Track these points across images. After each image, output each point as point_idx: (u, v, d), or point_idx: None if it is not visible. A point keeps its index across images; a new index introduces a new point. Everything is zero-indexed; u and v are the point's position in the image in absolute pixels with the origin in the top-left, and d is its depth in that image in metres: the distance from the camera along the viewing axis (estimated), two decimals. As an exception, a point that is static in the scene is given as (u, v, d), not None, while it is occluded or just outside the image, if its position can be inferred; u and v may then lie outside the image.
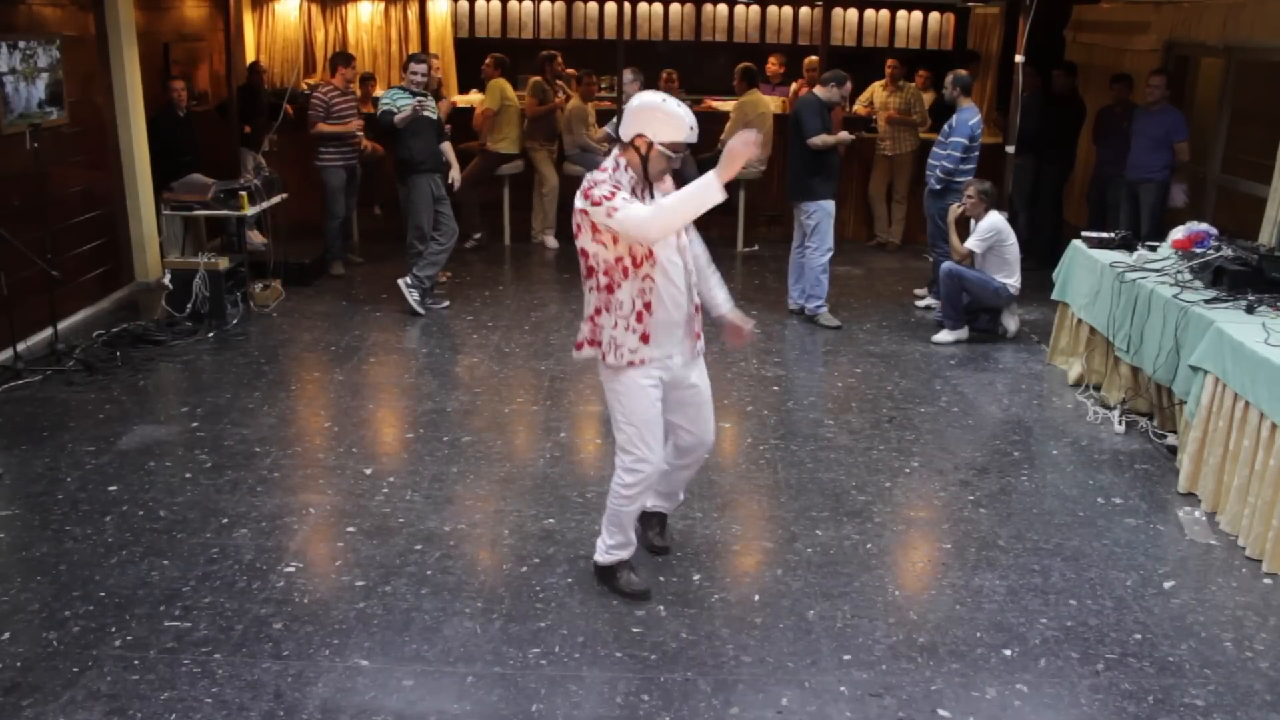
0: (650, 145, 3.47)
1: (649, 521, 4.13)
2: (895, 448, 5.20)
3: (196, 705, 3.17)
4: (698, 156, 9.09)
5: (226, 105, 8.66)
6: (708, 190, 3.29)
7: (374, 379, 6.09)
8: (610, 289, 3.56)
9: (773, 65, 10.32)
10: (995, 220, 6.72)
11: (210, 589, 3.80)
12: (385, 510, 4.43)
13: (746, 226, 9.29)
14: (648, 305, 3.54)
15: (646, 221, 3.35)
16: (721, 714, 3.22)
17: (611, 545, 3.83)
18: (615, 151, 3.57)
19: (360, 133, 8.19)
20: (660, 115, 3.46)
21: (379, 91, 8.93)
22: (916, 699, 3.29)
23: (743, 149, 3.25)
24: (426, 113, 6.99)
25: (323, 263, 8.20)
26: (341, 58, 8.30)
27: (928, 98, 9.56)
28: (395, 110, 6.89)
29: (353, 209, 8.69)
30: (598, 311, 3.62)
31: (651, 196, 3.55)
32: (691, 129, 3.48)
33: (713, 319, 3.81)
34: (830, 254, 7.15)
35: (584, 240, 3.55)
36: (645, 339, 3.56)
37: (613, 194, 3.40)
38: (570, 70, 9.70)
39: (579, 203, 3.48)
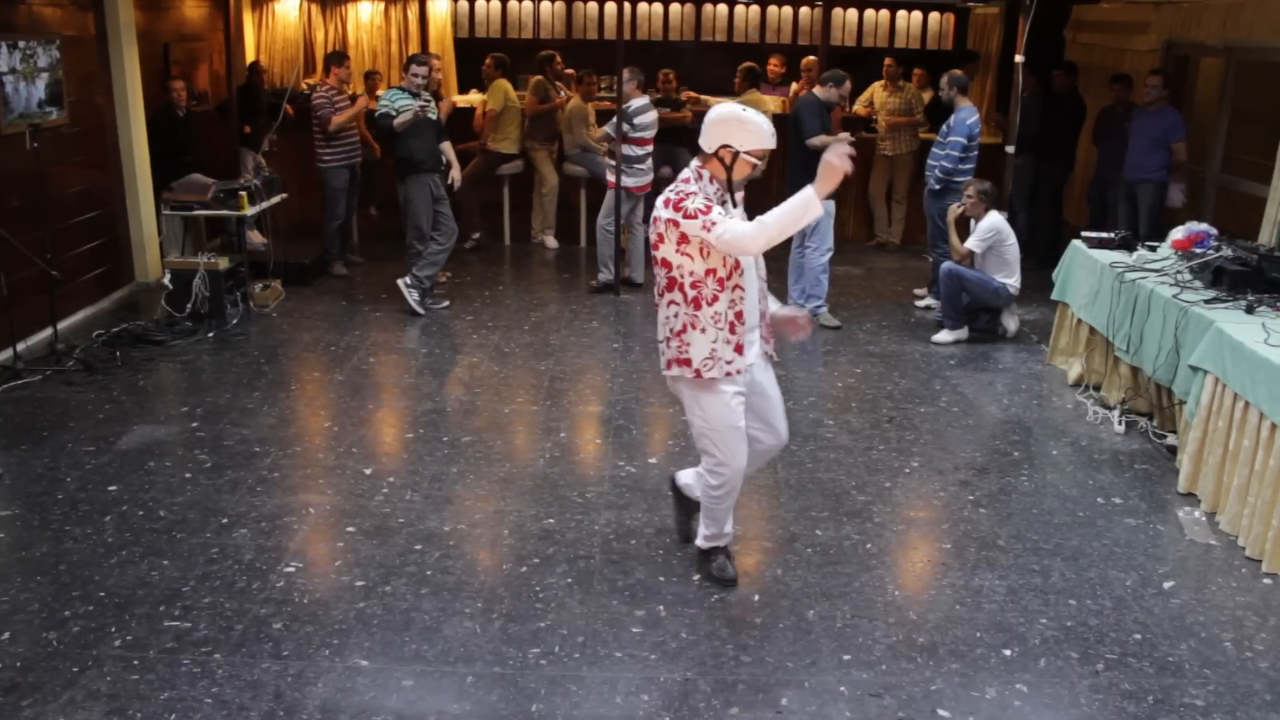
0: (735, 155, 3.54)
1: (688, 512, 4.20)
2: (895, 448, 5.20)
3: (196, 705, 3.17)
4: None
5: (226, 105, 8.65)
6: (808, 205, 3.41)
7: (374, 379, 6.09)
8: (701, 302, 3.54)
9: (774, 65, 10.32)
10: (995, 220, 6.72)
11: (210, 589, 3.80)
12: (385, 510, 4.43)
13: (746, 226, 9.27)
14: (739, 315, 3.57)
15: (750, 237, 3.41)
16: (721, 714, 3.22)
17: (707, 535, 3.96)
18: (695, 163, 3.61)
19: (356, 130, 8.19)
20: (744, 125, 3.53)
21: (381, 90, 8.93)
22: (916, 699, 3.29)
23: (839, 163, 3.35)
24: (427, 113, 6.99)
25: (323, 263, 8.19)
26: (335, 57, 8.29)
27: (926, 96, 9.57)
28: (394, 112, 6.88)
29: (353, 210, 8.69)
30: (685, 328, 3.58)
31: (735, 205, 3.62)
32: (772, 135, 3.56)
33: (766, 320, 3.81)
34: (830, 254, 7.15)
35: (667, 251, 3.54)
36: (739, 349, 3.59)
37: (708, 207, 3.43)
38: (570, 70, 9.71)
39: (665, 213, 3.48)
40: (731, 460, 3.69)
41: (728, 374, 3.58)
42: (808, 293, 7.23)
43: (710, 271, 3.52)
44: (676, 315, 3.59)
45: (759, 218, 3.44)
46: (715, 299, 3.54)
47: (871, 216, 9.72)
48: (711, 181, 3.58)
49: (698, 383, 3.61)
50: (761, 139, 3.55)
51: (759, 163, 3.58)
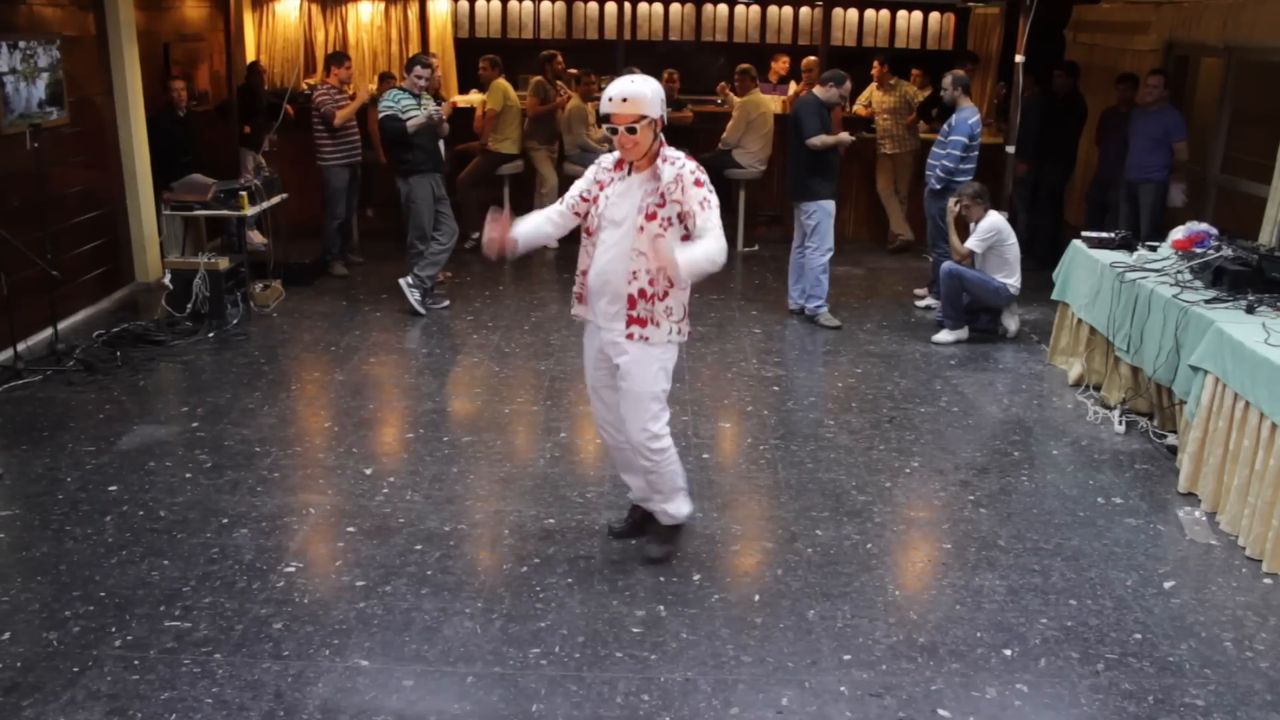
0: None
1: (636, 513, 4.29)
2: (895, 448, 5.20)
3: (196, 705, 3.17)
4: (698, 156, 9.13)
5: (226, 105, 8.66)
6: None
7: (374, 379, 6.09)
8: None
9: (778, 66, 10.32)
10: (995, 220, 6.72)
11: (210, 589, 3.80)
12: (385, 510, 4.43)
13: (746, 226, 9.29)
14: (584, 270, 3.88)
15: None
16: (721, 714, 3.22)
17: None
18: None
19: (357, 130, 8.19)
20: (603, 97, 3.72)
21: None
22: (916, 699, 3.29)
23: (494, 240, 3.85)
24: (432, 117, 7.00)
25: (323, 263, 8.19)
26: (335, 57, 8.30)
27: (924, 94, 9.56)
28: (400, 115, 6.88)
29: (354, 210, 8.69)
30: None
31: (628, 174, 3.78)
32: (609, 100, 3.61)
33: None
34: (830, 254, 7.16)
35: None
36: (580, 298, 3.94)
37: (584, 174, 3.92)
38: (571, 70, 9.71)
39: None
40: (591, 405, 4.07)
41: (577, 317, 4.00)
42: (808, 292, 7.23)
43: (584, 215, 3.90)
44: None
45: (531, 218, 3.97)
46: (582, 245, 3.89)
47: (884, 217, 9.70)
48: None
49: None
50: (603, 106, 3.65)
51: (615, 127, 3.61)
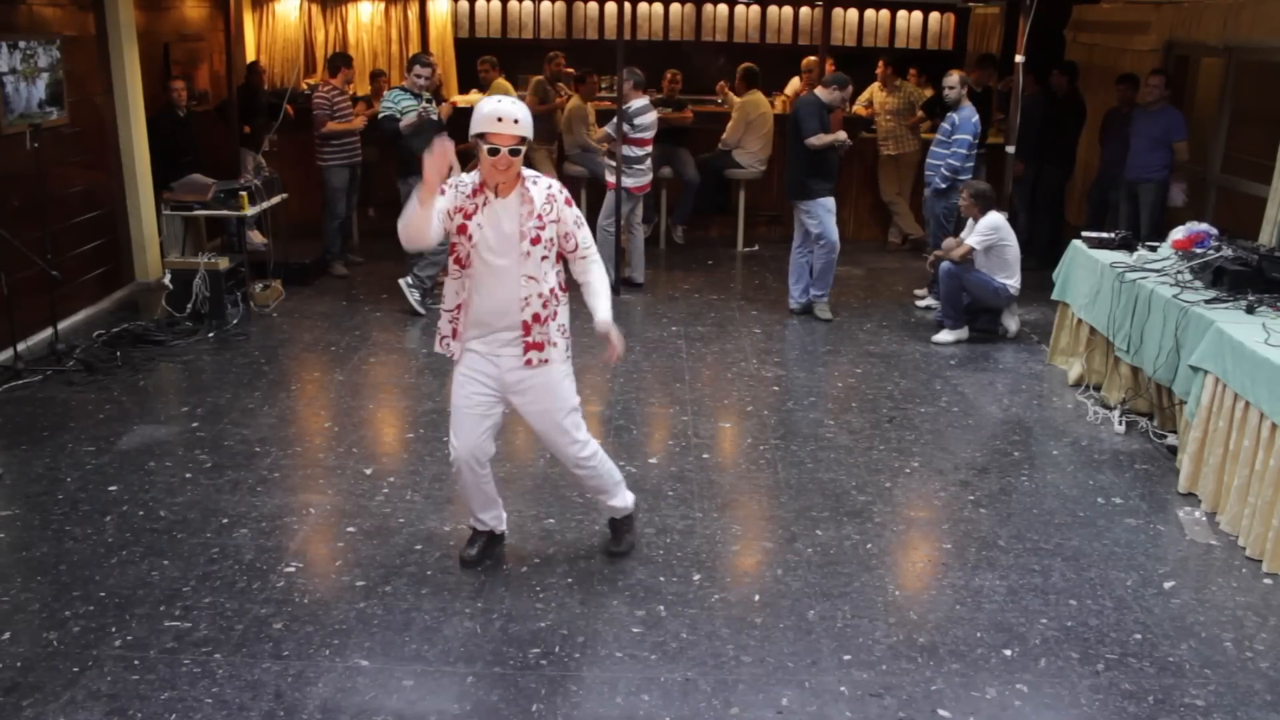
0: (475, 143, 3.55)
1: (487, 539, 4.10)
2: (895, 448, 5.20)
3: (197, 705, 3.17)
4: (697, 156, 9.17)
5: (226, 105, 8.65)
6: (410, 208, 3.52)
7: (374, 379, 6.09)
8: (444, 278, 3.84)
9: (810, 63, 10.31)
10: (995, 219, 6.72)
11: (210, 589, 3.80)
12: (385, 510, 4.43)
13: (746, 226, 9.29)
14: (462, 305, 3.67)
15: (400, 233, 3.60)
16: (721, 714, 3.22)
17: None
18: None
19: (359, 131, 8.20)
20: (476, 111, 3.54)
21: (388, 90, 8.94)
22: (916, 699, 3.29)
23: (437, 163, 3.43)
24: (429, 114, 6.99)
25: (323, 263, 8.19)
26: (342, 58, 8.31)
27: (926, 93, 9.57)
28: (399, 115, 6.88)
29: (353, 209, 8.70)
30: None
31: (495, 197, 3.58)
32: (499, 120, 3.45)
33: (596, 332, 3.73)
34: (838, 249, 7.19)
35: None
36: (455, 334, 3.71)
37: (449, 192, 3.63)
38: (569, 70, 9.71)
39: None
40: (454, 438, 3.75)
41: (449, 353, 3.75)
42: (815, 280, 7.28)
43: (452, 247, 3.68)
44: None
45: (407, 214, 3.56)
46: (454, 279, 3.69)
47: (884, 217, 9.70)
48: (477, 171, 3.63)
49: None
50: (482, 123, 3.48)
51: (495, 147, 3.45)
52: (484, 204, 3.58)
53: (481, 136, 3.49)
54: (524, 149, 3.52)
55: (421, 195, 3.45)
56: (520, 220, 3.58)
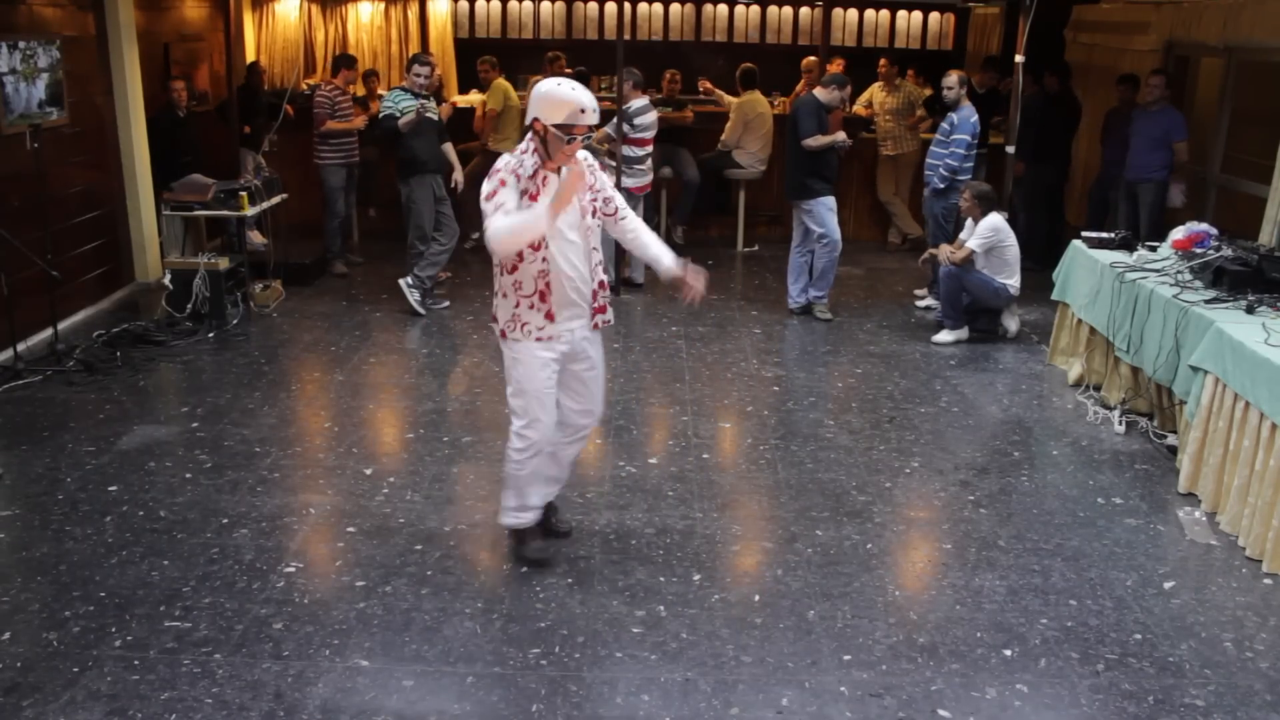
0: (545, 129, 3.59)
1: (545, 513, 4.19)
2: (895, 448, 5.20)
3: (197, 705, 3.17)
4: (697, 156, 9.16)
5: (226, 106, 8.66)
6: (538, 220, 3.52)
7: (374, 379, 6.09)
8: (502, 268, 3.74)
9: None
10: (995, 220, 6.72)
11: (210, 589, 3.79)
12: (385, 510, 4.43)
13: (746, 226, 9.30)
14: (548, 285, 3.70)
15: (491, 235, 3.56)
16: (721, 714, 3.22)
17: (512, 507, 4.01)
18: (528, 136, 3.72)
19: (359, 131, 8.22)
20: (550, 100, 3.59)
21: (383, 90, 8.94)
22: (916, 699, 3.29)
23: (575, 183, 3.55)
24: (428, 114, 6.99)
25: (323, 263, 8.20)
26: (345, 60, 8.35)
27: (926, 93, 9.57)
28: (398, 114, 6.89)
29: (352, 208, 8.71)
30: (496, 289, 3.83)
31: (557, 176, 3.67)
32: (584, 113, 3.56)
33: (667, 280, 3.88)
34: (839, 249, 7.19)
35: None
36: (550, 316, 3.73)
37: (495, 191, 3.60)
38: (568, 71, 9.70)
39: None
40: (537, 424, 3.81)
41: (537, 339, 3.73)
42: (815, 280, 7.28)
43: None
44: (495, 275, 3.81)
45: (508, 220, 3.54)
46: (515, 268, 3.69)
47: (884, 217, 9.69)
48: (534, 154, 3.66)
49: (505, 342, 3.81)
50: (567, 115, 3.55)
51: (574, 137, 3.57)
52: (544, 183, 3.67)
53: (559, 126, 3.57)
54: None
55: (553, 210, 3.53)
56: (579, 195, 3.70)
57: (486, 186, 3.64)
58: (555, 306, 3.72)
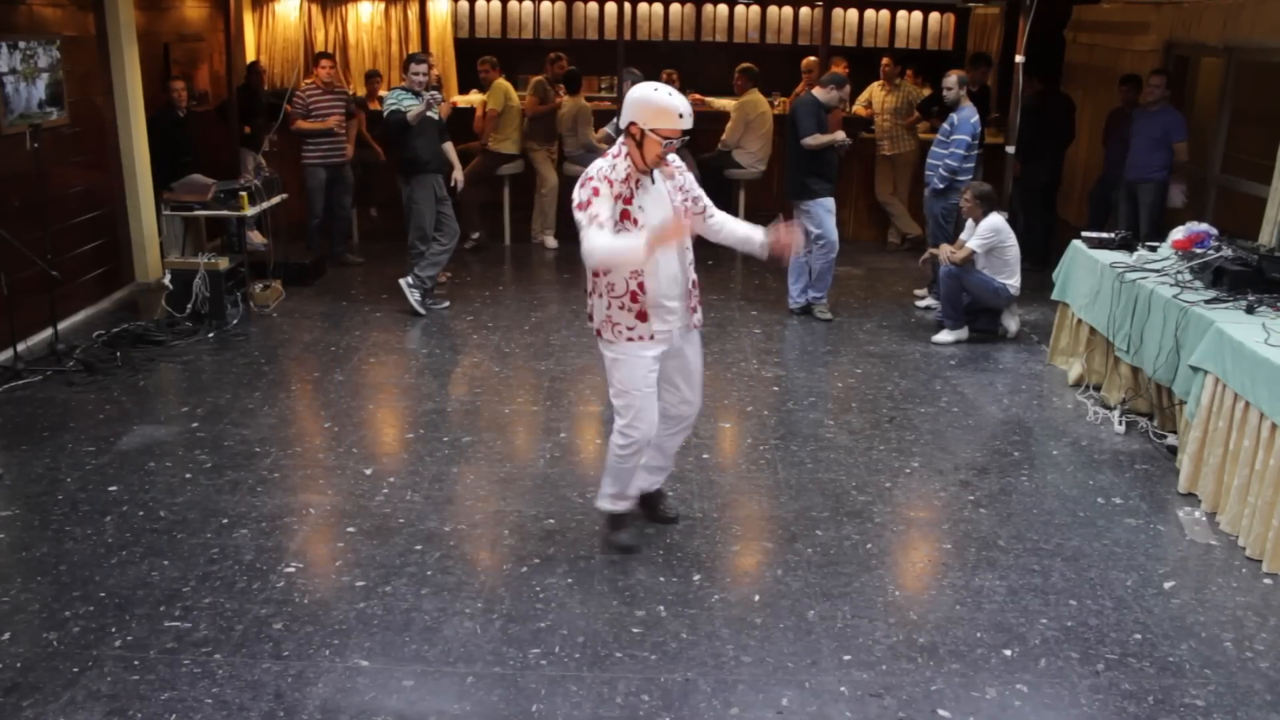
0: (643, 133, 3.62)
1: (652, 500, 4.33)
2: (895, 448, 5.20)
3: (197, 705, 3.17)
4: (697, 156, 9.16)
5: (226, 106, 8.66)
6: (633, 252, 3.54)
7: (374, 379, 6.09)
8: (598, 270, 3.74)
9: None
10: (996, 221, 6.72)
11: (210, 589, 3.79)
12: (385, 510, 4.43)
13: (746, 226, 9.28)
14: (640, 285, 3.72)
15: (585, 252, 3.55)
16: (721, 714, 3.22)
17: (611, 494, 4.12)
18: (620, 139, 3.74)
19: (342, 131, 8.23)
20: (649, 104, 3.62)
21: (384, 91, 8.95)
22: (916, 699, 3.29)
23: (676, 229, 3.59)
24: (430, 113, 7.00)
25: (321, 263, 8.22)
26: (321, 54, 8.64)
27: (924, 93, 9.56)
28: (404, 110, 6.89)
29: (351, 208, 8.73)
30: (591, 291, 3.87)
31: (652, 181, 3.72)
32: (681, 117, 3.62)
33: (764, 255, 3.92)
34: (835, 251, 7.20)
35: None
36: (642, 316, 3.75)
37: (589, 200, 3.58)
38: (567, 70, 9.70)
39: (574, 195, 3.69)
40: (640, 421, 3.87)
41: (629, 339, 3.77)
42: (814, 281, 7.28)
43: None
44: (588, 275, 3.83)
45: (607, 240, 3.54)
46: (608, 270, 3.70)
47: (883, 217, 9.69)
48: (626, 158, 3.68)
49: (602, 342, 3.87)
50: (666, 119, 3.60)
51: (670, 141, 3.61)
52: (637, 185, 3.70)
53: (655, 130, 3.60)
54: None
55: (650, 245, 3.54)
56: (670, 195, 3.76)
57: (578, 194, 3.62)
58: (648, 307, 3.76)
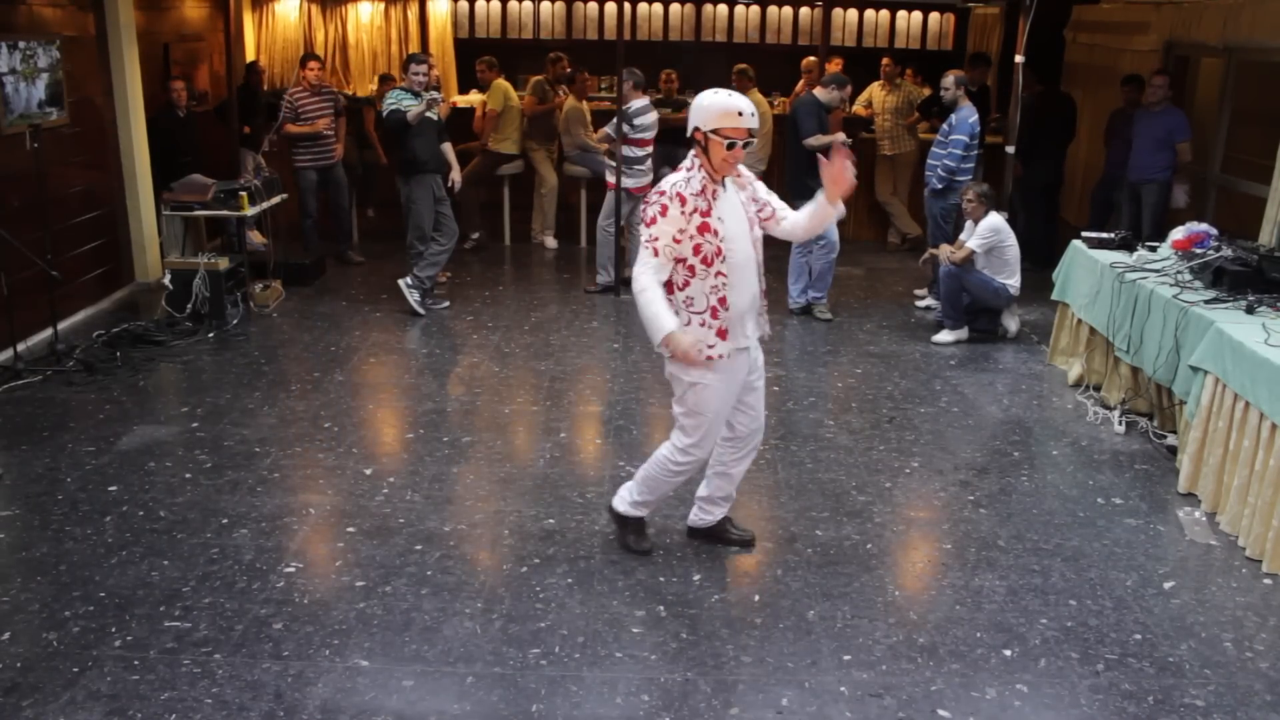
0: (706, 136, 3.57)
1: (719, 530, 4.20)
2: (895, 448, 5.20)
3: (196, 705, 3.17)
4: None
5: (226, 106, 8.66)
6: (656, 326, 3.53)
7: (374, 379, 6.09)
8: (674, 286, 3.66)
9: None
10: (996, 221, 6.72)
11: (210, 589, 3.79)
12: (385, 510, 4.43)
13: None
14: (721, 300, 3.63)
15: (634, 290, 3.58)
16: (721, 714, 3.22)
17: (638, 501, 4.03)
18: (691, 152, 3.68)
19: (331, 132, 8.24)
20: (708, 106, 3.58)
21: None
22: (916, 699, 3.29)
23: (693, 357, 3.52)
24: (429, 114, 7.00)
25: (321, 263, 8.22)
26: (308, 55, 8.63)
27: (924, 92, 9.56)
28: (404, 110, 6.90)
29: (348, 207, 8.73)
30: (669, 304, 3.69)
31: (724, 188, 3.64)
32: (743, 115, 3.55)
33: (835, 209, 3.76)
34: (836, 252, 7.20)
35: None
36: (723, 334, 3.65)
37: (655, 219, 3.55)
38: (567, 69, 9.71)
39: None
40: (707, 442, 3.82)
41: (708, 358, 3.63)
42: (814, 282, 7.28)
43: (679, 260, 3.61)
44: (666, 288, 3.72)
45: (651, 291, 3.54)
46: (686, 284, 3.63)
47: (884, 217, 9.70)
48: (700, 169, 3.62)
49: (674, 362, 3.71)
50: (726, 119, 3.54)
51: (734, 141, 3.54)
52: (714, 197, 3.61)
53: (716, 131, 3.54)
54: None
55: (666, 343, 3.55)
56: (745, 206, 3.69)
57: (648, 210, 3.57)
58: (728, 323, 3.64)
